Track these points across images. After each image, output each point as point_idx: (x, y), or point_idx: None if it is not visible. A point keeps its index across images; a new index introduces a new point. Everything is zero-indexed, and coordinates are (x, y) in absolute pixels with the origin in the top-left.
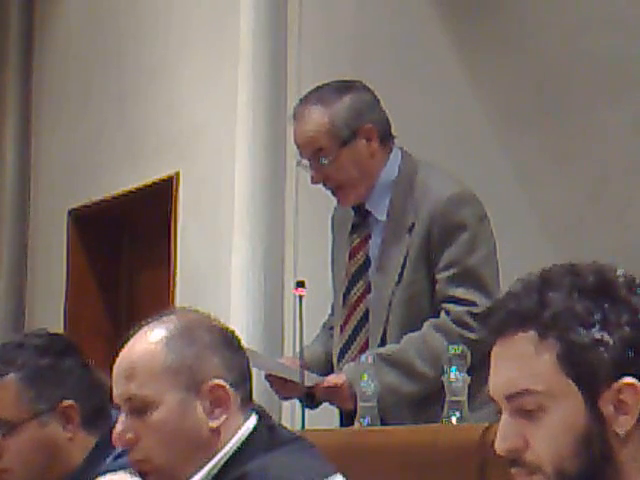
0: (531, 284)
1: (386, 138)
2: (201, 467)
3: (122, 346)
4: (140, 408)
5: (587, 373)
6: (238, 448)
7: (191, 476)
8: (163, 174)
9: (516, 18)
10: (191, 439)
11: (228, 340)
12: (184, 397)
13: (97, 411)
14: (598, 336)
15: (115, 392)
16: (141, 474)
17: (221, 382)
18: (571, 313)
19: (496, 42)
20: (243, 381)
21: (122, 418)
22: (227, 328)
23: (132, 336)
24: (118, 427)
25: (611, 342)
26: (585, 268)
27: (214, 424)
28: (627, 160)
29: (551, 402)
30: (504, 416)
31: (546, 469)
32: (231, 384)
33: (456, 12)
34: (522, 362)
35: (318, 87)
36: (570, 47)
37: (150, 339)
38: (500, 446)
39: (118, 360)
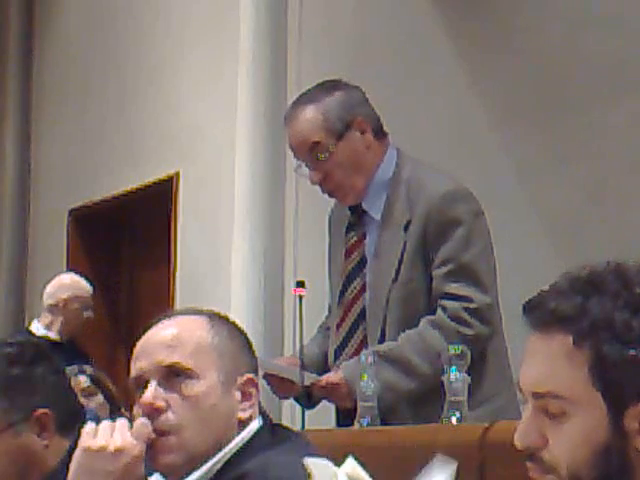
0: (577, 283)
1: (379, 133)
2: (204, 462)
3: (133, 341)
4: (179, 378)
5: (616, 388)
6: (240, 448)
7: (204, 462)
8: (163, 174)
9: (516, 18)
10: (222, 421)
11: (250, 344)
12: (224, 380)
13: (71, 415)
14: (633, 354)
15: (147, 362)
16: (156, 448)
17: (254, 377)
18: (610, 325)
19: (496, 42)
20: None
21: (152, 386)
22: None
23: (151, 326)
24: (148, 394)
25: None
26: (635, 275)
27: (242, 416)
28: (627, 160)
29: (575, 410)
30: (528, 410)
31: (561, 472)
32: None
33: (456, 12)
34: (554, 364)
35: (306, 91)
36: (570, 47)
37: (194, 319)
38: (519, 441)
39: (151, 334)
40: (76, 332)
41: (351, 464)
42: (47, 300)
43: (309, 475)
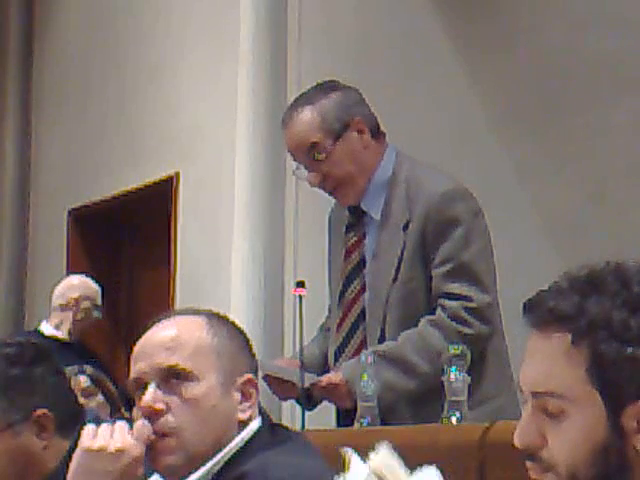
0: (576, 283)
1: (377, 133)
2: (204, 463)
3: (133, 341)
4: (178, 380)
5: (614, 387)
6: (240, 448)
7: (204, 462)
8: (163, 174)
9: (516, 18)
10: (221, 422)
11: (250, 344)
12: (224, 381)
13: (71, 416)
14: (631, 353)
15: (146, 363)
16: (157, 449)
17: (254, 377)
18: (608, 324)
19: (497, 42)
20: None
21: (152, 389)
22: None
23: (151, 326)
24: (147, 397)
25: None
26: (635, 275)
27: (242, 416)
28: (627, 160)
29: (573, 409)
30: (527, 409)
31: (560, 470)
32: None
33: (456, 12)
34: (552, 363)
35: (302, 93)
36: (570, 47)
37: (193, 319)
38: (519, 440)
39: (149, 335)
40: (85, 332)
41: (381, 459)
42: (57, 300)
43: (346, 464)
